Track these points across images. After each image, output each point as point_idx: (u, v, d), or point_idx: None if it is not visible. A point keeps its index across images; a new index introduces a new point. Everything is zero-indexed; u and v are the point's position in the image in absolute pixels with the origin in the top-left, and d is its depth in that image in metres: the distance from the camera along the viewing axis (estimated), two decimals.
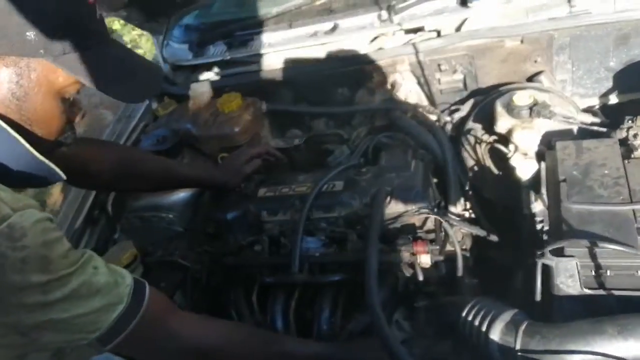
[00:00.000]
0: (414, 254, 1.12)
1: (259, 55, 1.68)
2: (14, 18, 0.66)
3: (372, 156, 1.40)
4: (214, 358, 0.90)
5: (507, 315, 0.89)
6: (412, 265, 1.13)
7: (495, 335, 0.88)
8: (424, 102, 1.56)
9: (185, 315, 0.93)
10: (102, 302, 0.73)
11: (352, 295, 1.16)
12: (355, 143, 1.51)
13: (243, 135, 1.54)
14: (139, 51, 4.70)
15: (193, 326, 0.90)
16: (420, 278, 1.13)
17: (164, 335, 0.84)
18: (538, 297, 0.92)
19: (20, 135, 0.70)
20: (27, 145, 0.70)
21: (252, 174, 1.41)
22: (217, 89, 1.71)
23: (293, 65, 1.66)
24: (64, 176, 0.76)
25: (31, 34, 0.67)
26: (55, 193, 1.23)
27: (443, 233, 1.18)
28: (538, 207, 1.08)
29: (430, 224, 1.20)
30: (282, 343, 1.02)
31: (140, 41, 4.70)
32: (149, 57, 4.47)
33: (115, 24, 4.72)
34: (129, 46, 4.87)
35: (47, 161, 0.73)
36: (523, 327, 0.86)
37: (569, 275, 0.90)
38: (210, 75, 1.77)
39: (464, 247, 1.20)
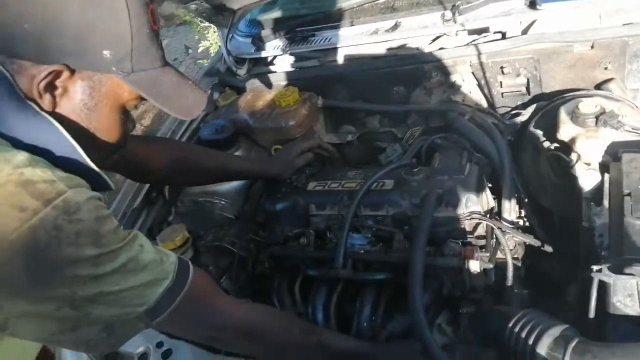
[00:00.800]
0: (462, 259, 1.10)
1: (319, 51, 1.70)
2: (95, 37, 0.74)
3: (426, 157, 1.38)
4: (254, 339, 0.92)
5: (556, 330, 0.87)
6: (459, 271, 1.11)
7: (543, 349, 0.85)
8: (484, 104, 1.51)
9: (229, 297, 0.97)
10: (149, 277, 0.77)
11: (395, 295, 1.15)
12: (408, 142, 1.49)
13: (298, 128, 1.57)
14: (205, 43, 4.87)
15: (236, 306, 0.94)
16: (468, 284, 1.10)
17: (208, 311, 0.87)
18: (592, 314, 0.89)
19: (85, 139, 0.79)
20: (86, 157, 0.78)
21: (303, 167, 1.43)
22: (276, 82, 1.75)
23: (351, 62, 1.66)
24: (113, 186, 0.84)
25: (107, 53, 0.75)
26: None
27: (494, 240, 1.15)
28: (599, 220, 1.03)
29: (481, 230, 1.18)
30: (321, 335, 1.02)
31: (208, 33, 4.84)
32: (214, 48, 4.61)
33: (187, 16, 4.88)
34: (196, 37, 5.06)
35: (99, 171, 0.81)
36: (573, 344, 0.83)
37: (628, 294, 0.86)
38: (271, 68, 1.80)
39: (515, 256, 1.16)
